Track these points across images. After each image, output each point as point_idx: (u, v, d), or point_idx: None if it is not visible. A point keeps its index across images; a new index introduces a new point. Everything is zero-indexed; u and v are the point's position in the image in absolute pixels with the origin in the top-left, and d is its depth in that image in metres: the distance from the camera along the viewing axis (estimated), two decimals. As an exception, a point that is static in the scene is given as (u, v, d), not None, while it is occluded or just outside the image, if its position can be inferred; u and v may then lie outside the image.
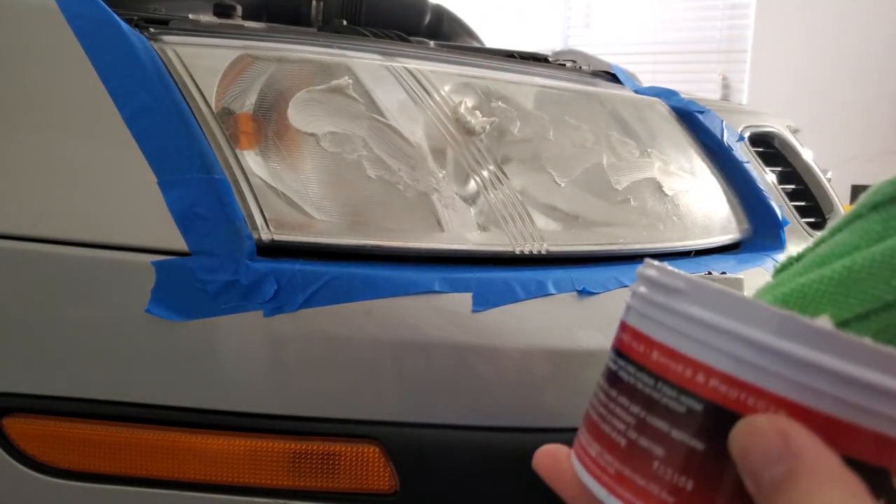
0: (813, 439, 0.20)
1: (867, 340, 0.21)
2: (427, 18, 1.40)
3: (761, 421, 0.21)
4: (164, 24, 0.71)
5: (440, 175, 0.69)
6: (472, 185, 0.70)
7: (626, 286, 0.71)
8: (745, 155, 1.03)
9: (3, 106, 0.63)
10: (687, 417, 0.23)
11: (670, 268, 0.25)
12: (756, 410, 0.21)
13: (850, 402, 0.21)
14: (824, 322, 0.21)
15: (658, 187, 0.86)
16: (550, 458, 0.30)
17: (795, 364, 0.21)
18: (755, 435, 0.21)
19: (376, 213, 0.65)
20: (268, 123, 0.65)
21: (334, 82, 0.68)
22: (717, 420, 0.22)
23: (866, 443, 0.21)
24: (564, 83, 0.92)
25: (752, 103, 3.05)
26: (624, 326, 0.26)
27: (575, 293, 0.67)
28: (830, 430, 0.21)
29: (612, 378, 0.26)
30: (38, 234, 0.59)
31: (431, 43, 1.10)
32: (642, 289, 0.26)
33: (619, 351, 0.26)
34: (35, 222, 0.59)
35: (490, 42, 1.54)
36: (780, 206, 1.02)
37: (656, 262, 0.26)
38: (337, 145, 0.65)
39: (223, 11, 0.86)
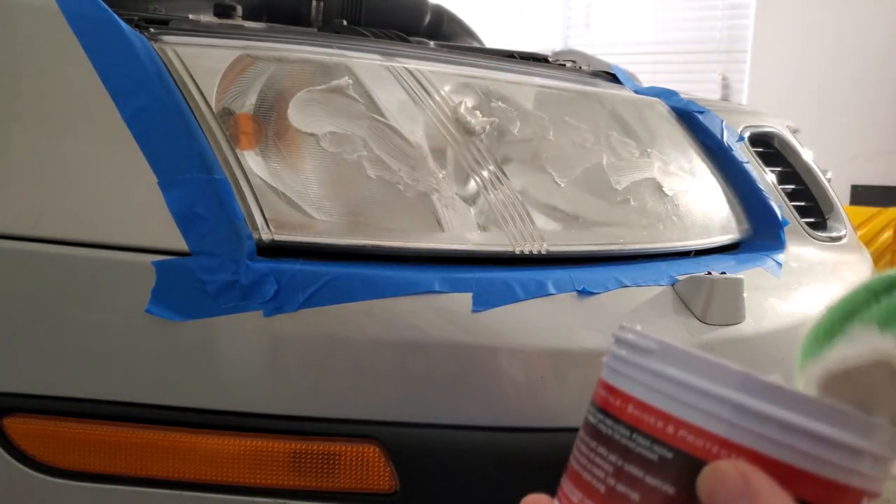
0: (769, 481, 0.24)
1: (814, 396, 0.24)
2: (427, 18, 1.40)
3: (725, 466, 0.24)
4: (164, 24, 0.71)
5: (440, 175, 0.69)
6: (472, 185, 0.70)
7: (626, 286, 0.71)
8: (745, 155, 1.03)
9: (3, 106, 0.63)
10: (659, 465, 0.25)
11: (643, 331, 0.28)
12: (720, 457, 0.25)
13: (800, 450, 0.24)
14: (778, 379, 0.25)
15: (658, 187, 0.86)
16: None
17: (753, 416, 0.24)
18: (720, 479, 0.24)
19: (376, 213, 0.65)
20: (268, 123, 0.65)
21: (334, 82, 0.68)
22: (686, 466, 0.25)
23: (815, 487, 0.24)
24: (564, 83, 0.92)
25: (752, 103, 3.05)
26: (602, 383, 0.29)
27: (575, 293, 0.67)
28: (783, 474, 0.24)
29: (592, 430, 0.29)
30: (38, 234, 0.59)
31: (431, 43, 1.10)
32: (620, 350, 0.29)
33: (598, 405, 0.29)
34: (35, 222, 0.59)
35: (490, 42, 1.54)
36: (780, 206, 1.02)
37: (631, 326, 0.29)
38: (337, 145, 0.65)
39: (223, 11, 0.86)
